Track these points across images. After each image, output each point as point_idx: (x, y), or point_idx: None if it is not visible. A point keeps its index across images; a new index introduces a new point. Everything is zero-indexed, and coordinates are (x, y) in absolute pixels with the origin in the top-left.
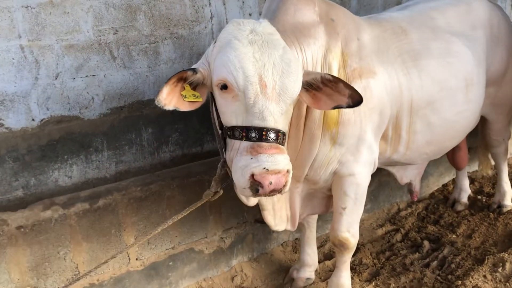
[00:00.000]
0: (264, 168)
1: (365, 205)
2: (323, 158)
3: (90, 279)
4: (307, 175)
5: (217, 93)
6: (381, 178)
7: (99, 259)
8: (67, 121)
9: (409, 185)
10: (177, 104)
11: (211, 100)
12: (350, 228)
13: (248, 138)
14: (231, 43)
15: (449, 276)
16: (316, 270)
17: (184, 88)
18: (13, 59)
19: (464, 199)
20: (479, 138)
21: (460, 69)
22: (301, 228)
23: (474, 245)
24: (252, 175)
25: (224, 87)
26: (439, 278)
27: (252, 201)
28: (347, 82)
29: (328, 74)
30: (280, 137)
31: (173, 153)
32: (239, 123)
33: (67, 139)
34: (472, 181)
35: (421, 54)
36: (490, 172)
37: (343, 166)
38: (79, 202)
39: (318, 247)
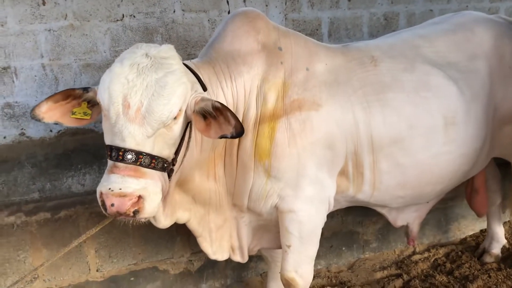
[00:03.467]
0: (110, 188)
1: (370, 243)
2: (260, 190)
3: (48, 284)
4: (248, 206)
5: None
6: None
7: (58, 266)
8: (81, 134)
9: (406, 229)
10: (60, 119)
11: None
12: (297, 268)
13: (110, 157)
14: (113, 65)
15: None
16: None
17: (80, 105)
18: (35, 76)
19: (496, 250)
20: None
21: (437, 106)
22: (266, 261)
23: None
24: (101, 193)
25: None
26: None
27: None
28: (285, 113)
29: (218, 102)
30: (143, 159)
31: None
32: (108, 142)
33: (81, 150)
34: None
35: (389, 86)
36: None
37: (283, 201)
38: (42, 211)
39: None
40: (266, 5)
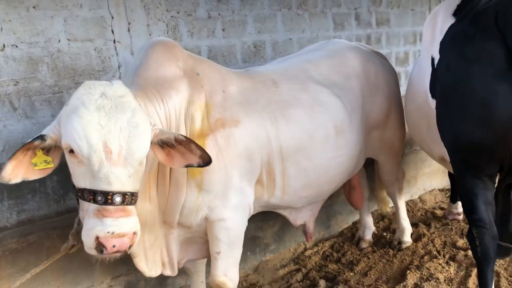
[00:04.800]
0: (108, 232)
1: (269, 246)
2: (192, 204)
3: None
4: (179, 221)
5: (67, 155)
6: (285, 218)
7: None
8: None
9: (303, 227)
10: (25, 175)
11: None
12: (227, 271)
13: (95, 201)
14: (78, 110)
15: None
16: None
17: (36, 155)
18: None
19: (368, 236)
20: (376, 178)
21: (329, 118)
22: (188, 273)
23: (367, 283)
24: (97, 237)
25: (72, 151)
26: None
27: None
28: (211, 131)
29: (181, 135)
30: (128, 198)
31: None
32: (87, 186)
33: None
34: (382, 218)
35: (290, 104)
36: (388, 210)
37: (213, 211)
38: None
39: None
40: (150, 34)
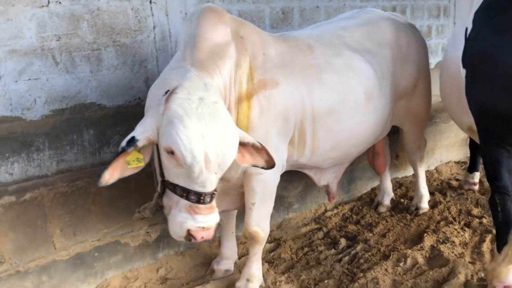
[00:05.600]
0: (199, 227)
1: (293, 205)
2: None
3: (16, 267)
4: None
5: (164, 154)
6: (308, 180)
7: (25, 248)
8: (9, 122)
9: (326, 187)
10: (120, 174)
11: (156, 149)
12: (259, 222)
13: (188, 199)
14: (182, 119)
15: (355, 270)
16: (235, 263)
17: (129, 153)
18: None
19: (387, 201)
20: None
21: (360, 84)
22: (220, 223)
23: (386, 243)
24: (189, 230)
25: (171, 152)
26: (346, 271)
27: None
28: (255, 92)
29: (258, 142)
30: (214, 197)
31: (114, 154)
32: (181, 184)
33: (8, 138)
34: (399, 185)
35: (324, 68)
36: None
37: None
38: (6, 195)
39: (243, 243)
40: None
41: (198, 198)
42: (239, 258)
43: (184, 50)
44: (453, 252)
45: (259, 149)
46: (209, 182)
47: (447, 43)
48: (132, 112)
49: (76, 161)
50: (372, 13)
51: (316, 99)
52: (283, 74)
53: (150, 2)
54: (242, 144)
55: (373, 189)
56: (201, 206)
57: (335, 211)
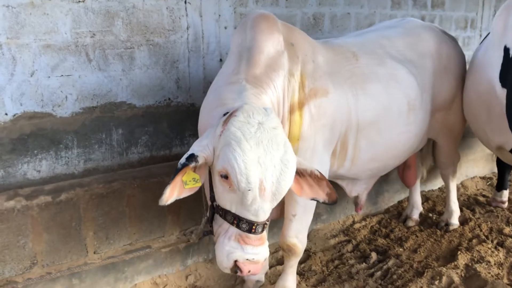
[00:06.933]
0: (247, 259)
1: (321, 216)
2: None
3: (47, 269)
4: None
5: (217, 177)
6: (338, 191)
7: (58, 250)
8: (39, 117)
9: (355, 198)
10: (178, 194)
11: (208, 173)
12: (298, 234)
13: (239, 227)
14: (240, 143)
15: (389, 286)
16: (266, 274)
17: (186, 172)
18: None
19: (416, 216)
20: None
21: (403, 94)
22: None
23: (417, 259)
24: (236, 261)
25: (225, 176)
26: (380, 287)
27: None
28: (306, 101)
29: (317, 170)
30: (266, 227)
31: (141, 154)
32: (233, 210)
33: (38, 135)
34: (426, 199)
35: (369, 78)
36: None
37: None
38: (42, 195)
39: (272, 253)
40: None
41: (250, 227)
42: (270, 268)
43: (239, 62)
44: (489, 273)
45: (319, 179)
46: (262, 211)
47: (471, 62)
48: (161, 112)
49: (103, 160)
50: (414, 22)
51: (361, 109)
52: (332, 82)
53: (185, 2)
54: (299, 173)
55: (400, 202)
56: (251, 236)
57: (363, 223)
